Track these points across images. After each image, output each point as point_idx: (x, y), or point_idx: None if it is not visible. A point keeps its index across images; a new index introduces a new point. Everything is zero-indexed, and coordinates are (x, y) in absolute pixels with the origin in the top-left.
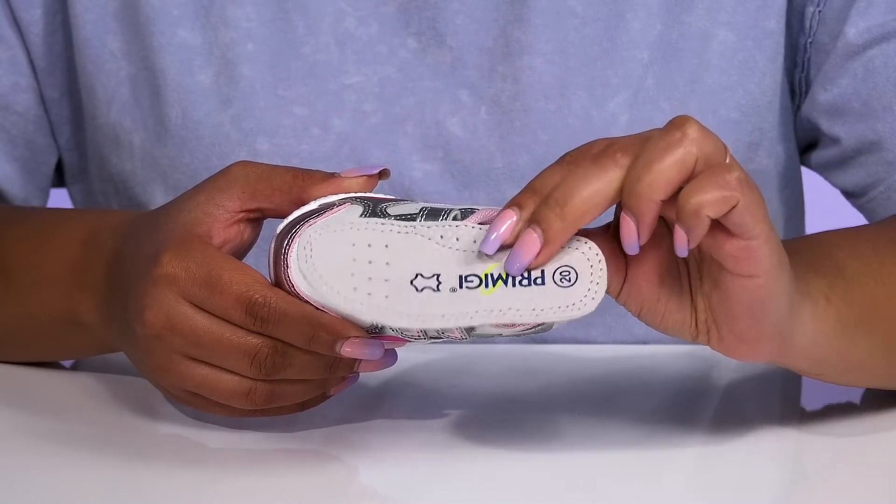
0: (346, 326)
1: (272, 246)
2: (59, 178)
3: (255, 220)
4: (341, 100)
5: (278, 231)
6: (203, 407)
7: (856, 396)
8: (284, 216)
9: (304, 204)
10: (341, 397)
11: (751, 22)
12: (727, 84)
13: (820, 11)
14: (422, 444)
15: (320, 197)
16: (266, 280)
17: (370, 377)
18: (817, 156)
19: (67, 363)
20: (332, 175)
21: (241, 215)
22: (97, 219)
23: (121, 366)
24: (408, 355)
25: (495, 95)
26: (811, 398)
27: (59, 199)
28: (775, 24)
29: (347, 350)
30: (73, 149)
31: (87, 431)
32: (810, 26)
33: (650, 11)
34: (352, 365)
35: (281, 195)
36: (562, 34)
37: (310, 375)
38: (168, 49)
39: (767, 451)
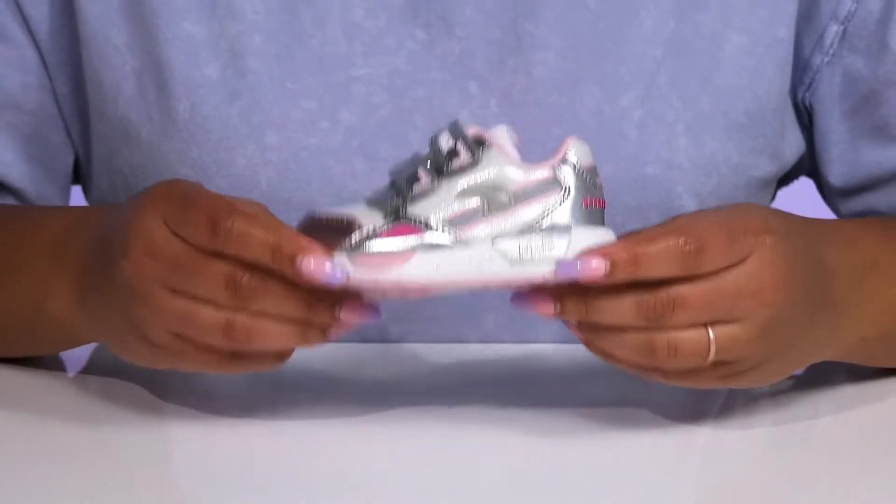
0: (310, 244)
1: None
2: (76, 175)
3: None
4: (350, 92)
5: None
6: (183, 357)
7: (856, 394)
8: None
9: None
10: (344, 397)
11: (763, 28)
12: (737, 87)
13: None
14: (422, 445)
15: None
16: (239, 208)
17: (373, 378)
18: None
19: (71, 370)
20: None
21: None
22: (84, 209)
23: (121, 371)
24: (409, 355)
25: (506, 89)
26: (810, 397)
27: (79, 197)
28: (785, 32)
29: (307, 268)
30: (82, 143)
31: (87, 436)
32: (830, 44)
33: (663, 8)
34: (332, 310)
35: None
36: (574, 28)
37: (288, 310)
38: (174, 42)
39: (766, 449)
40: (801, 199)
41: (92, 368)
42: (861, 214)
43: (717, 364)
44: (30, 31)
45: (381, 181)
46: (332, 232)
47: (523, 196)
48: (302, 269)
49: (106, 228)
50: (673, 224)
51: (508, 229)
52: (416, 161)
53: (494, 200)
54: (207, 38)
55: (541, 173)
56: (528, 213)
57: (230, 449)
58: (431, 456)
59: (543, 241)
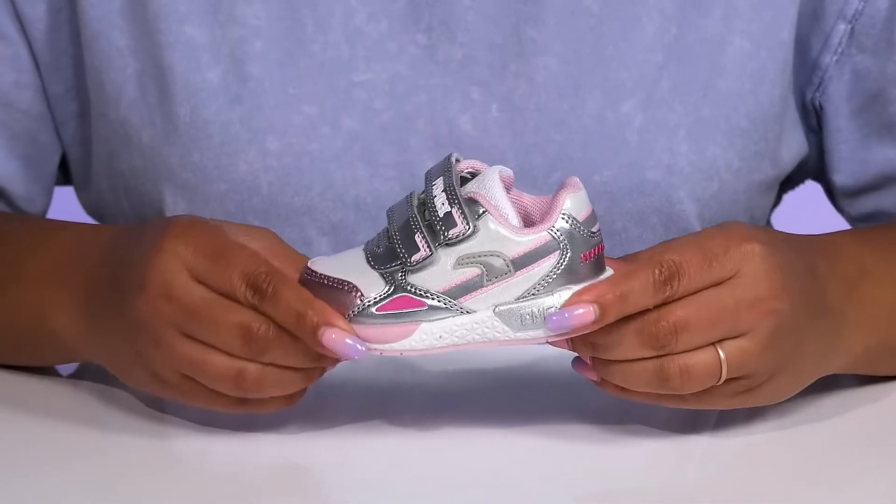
0: (335, 316)
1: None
2: (65, 177)
3: None
4: (351, 98)
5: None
6: (191, 396)
7: (852, 393)
8: None
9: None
10: (342, 397)
11: (765, 31)
12: (740, 92)
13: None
14: (420, 446)
15: None
16: (270, 263)
17: (371, 379)
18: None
19: (65, 372)
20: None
21: None
22: (94, 227)
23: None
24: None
25: (507, 94)
26: (808, 396)
27: (64, 198)
28: (787, 35)
29: (329, 337)
30: (79, 144)
31: (83, 440)
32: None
33: (665, 13)
34: (336, 358)
35: (293, 274)
36: (576, 34)
37: (297, 361)
38: (175, 46)
39: (766, 452)
40: (806, 203)
41: (86, 370)
42: (869, 215)
43: (731, 381)
44: (24, 30)
45: (382, 187)
46: (331, 290)
47: (522, 262)
48: (322, 340)
49: (118, 255)
50: (652, 252)
51: (508, 296)
52: (409, 210)
53: (493, 268)
54: (209, 42)
55: (538, 238)
56: (527, 278)
57: (229, 450)
58: (429, 458)
59: (544, 305)
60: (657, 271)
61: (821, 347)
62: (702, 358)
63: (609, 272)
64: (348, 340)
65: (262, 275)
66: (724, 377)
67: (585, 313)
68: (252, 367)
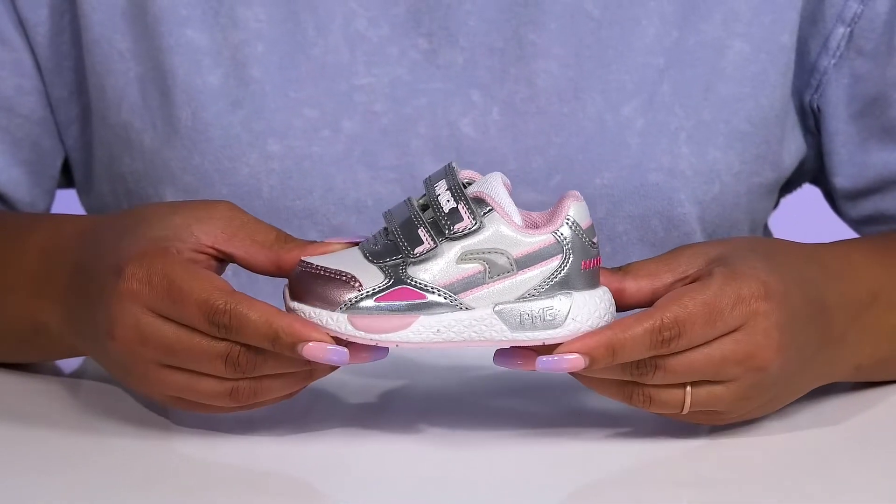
0: (307, 329)
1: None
2: (67, 180)
3: (221, 261)
4: (352, 101)
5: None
6: (189, 407)
7: (850, 394)
8: (253, 269)
9: (279, 265)
10: (342, 395)
11: (766, 35)
12: (740, 95)
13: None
14: (419, 446)
15: (297, 260)
16: (228, 286)
17: (374, 383)
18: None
19: (67, 370)
20: (314, 242)
21: (211, 251)
22: (57, 226)
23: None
24: (409, 357)
25: (508, 97)
26: (806, 396)
27: (66, 201)
28: (788, 39)
29: (308, 353)
30: (80, 148)
31: (83, 440)
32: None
33: (665, 17)
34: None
35: (258, 249)
36: (577, 37)
37: (290, 368)
38: (176, 49)
39: (762, 448)
40: (802, 207)
41: (87, 370)
42: (869, 218)
43: (698, 412)
44: (26, 35)
45: (383, 190)
46: (327, 281)
47: (525, 262)
48: (303, 355)
49: (88, 264)
50: (658, 305)
51: (509, 296)
52: (411, 209)
53: (496, 266)
54: (210, 45)
55: (542, 239)
56: (529, 278)
57: (229, 451)
58: (426, 459)
59: (544, 307)
60: (658, 331)
61: (811, 377)
62: (668, 391)
63: (602, 290)
64: (330, 348)
65: (220, 308)
66: (686, 411)
67: (575, 361)
68: (244, 384)
